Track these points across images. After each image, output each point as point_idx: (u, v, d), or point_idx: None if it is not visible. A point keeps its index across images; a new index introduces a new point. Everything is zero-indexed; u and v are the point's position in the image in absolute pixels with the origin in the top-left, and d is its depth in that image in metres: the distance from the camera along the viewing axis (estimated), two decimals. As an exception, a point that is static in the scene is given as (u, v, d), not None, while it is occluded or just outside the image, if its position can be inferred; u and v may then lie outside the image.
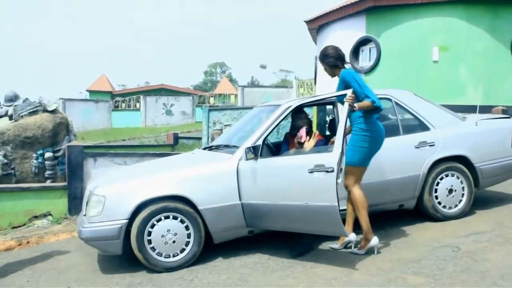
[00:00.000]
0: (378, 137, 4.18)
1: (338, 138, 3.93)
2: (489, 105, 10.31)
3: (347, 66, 4.37)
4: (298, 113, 5.05)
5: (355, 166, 4.16)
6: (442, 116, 5.19)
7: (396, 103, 4.99)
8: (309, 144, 4.66)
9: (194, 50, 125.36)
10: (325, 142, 4.98)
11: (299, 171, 4.03)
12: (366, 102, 4.05)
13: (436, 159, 4.88)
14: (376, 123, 4.17)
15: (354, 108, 4.02)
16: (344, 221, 4.35)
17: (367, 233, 4.15)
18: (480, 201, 5.50)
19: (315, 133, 4.75)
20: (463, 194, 5.01)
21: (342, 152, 3.91)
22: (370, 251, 4.17)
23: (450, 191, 4.96)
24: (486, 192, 5.84)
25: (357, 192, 4.16)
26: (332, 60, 4.31)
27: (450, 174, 4.97)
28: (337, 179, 3.84)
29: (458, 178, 4.99)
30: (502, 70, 11.95)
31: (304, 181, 3.99)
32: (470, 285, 3.31)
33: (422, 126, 4.99)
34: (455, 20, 12.04)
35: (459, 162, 5.01)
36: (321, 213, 3.90)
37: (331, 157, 3.87)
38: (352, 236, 4.28)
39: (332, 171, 3.82)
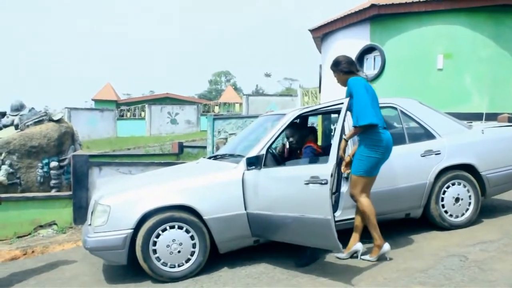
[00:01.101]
0: (386, 146, 4.14)
1: (333, 150, 3.88)
2: (495, 113, 10.28)
3: (361, 74, 4.35)
4: (301, 123, 5.08)
5: (361, 176, 4.13)
6: (448, 124, 5.17)
7: (402, 111, 4.97)
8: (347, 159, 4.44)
9: (198, 59, 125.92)
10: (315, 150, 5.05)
11: (297, 182, 3.99)
12: (352, 130, 4.21)
13: (442, 167, 4.85)
14: (383, 132, 4.13)
15: (345, 138, 4.23)
16: (351, 230, 4.34)
17: (378, 240, 4.14)
18: (487, 209, 5.46)
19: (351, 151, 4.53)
20: (470, 203, 4.98)
21: (337, 163, 3.90)
22: (382, 258, 4.16)
23: (457, 199, 4.93)
24: (493, 200, 5.80)
25: (364, 201, 4.13)
26: (345, 66, 4.27)
27: (456, 183, 4.94)
28: (333, 191, 3.81)
29: (464, 186, 4.96)
30: (507, 77, 11.92)
31: (301, 192, 3.95)
32: (478, 296, 3.28)
33: (428, 135, 4.97)
34: (459, 28, 12.04)
35: (465, 171, 4.98)
36: (315, 225, 3.85)
37: (325, 169, 3.82)
38: (359, 246, 4.27)
39: (326, 183, 3.76)
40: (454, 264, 3.92)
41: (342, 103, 4.10)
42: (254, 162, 4.29)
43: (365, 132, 4.09)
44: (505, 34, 11.95)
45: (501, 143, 5.30)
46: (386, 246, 4.16)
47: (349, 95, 4.16)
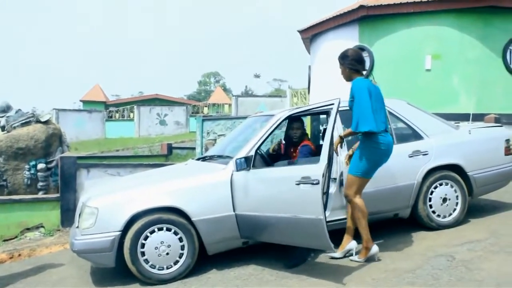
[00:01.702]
0: (386, 150, 4.14)
1: (324, 150, 3.91)
2: (482, 113, 10.38)
3: (371, 78, 4.31)
4: (294, 122, 5.09)
5: (358, 176, 4.13)
6: (436, 125, 5.20)
7: (390, 112, 4.98)
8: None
9: (188, 60, 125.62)
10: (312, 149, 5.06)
11: (287, 183, 4.01)
12: (347, 130, 4.20)
13: (430, 168, 4.88)
14: (384, 135, 4.11)
15: (341, 136, 4.23)
16: (339, 231, 4.36)
17: (367, 242, 4.15)
18: (474, 209, 5.50)
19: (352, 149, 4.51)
20: (457, 203, 5.01)
21: (329, 164, 3.92)
22: (370, 259, 4.17)
23: (444, 200, 4.96)
24: (480, 200, 5.84)
25: (358, 201, 4.14)
26: (352, 63, 4.20)
27: (444, 183, 4.98)
28: (323, 191, 3.82)
29: (452, 187, 5.00)
30: (494, 78, 12.03)
31: (292, 193, 3.96)
32: (465, 295, 3.30)
33: (415, 135, 5.00)
34: (447, 29, 12.13)
35: (452, 171, 5.02)
36: (307, 226, 3.87)
37: (317, 169, 3.84)
38: (353, 244, 4.31)
39: (318, 183, 3.79)
40: (442, 264, 3.94)
41: (332, 104, 4.12)
42: (243, 163, 4.28)
43: (365, 134, 4.07)
44: (492, 35, 12.06)
45: (488, 144, 5.34)
46: (375, 248, 4.18)
47: (351, 96, 4.12)
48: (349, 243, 4.31)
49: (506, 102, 11.98)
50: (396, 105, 5.12)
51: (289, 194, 4.00)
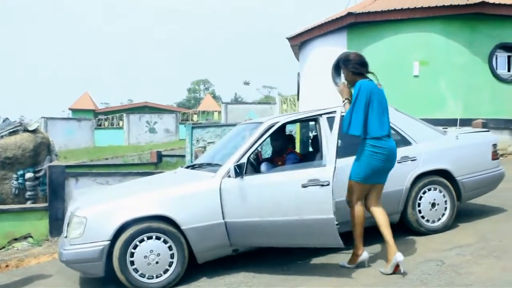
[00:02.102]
0: (387, 155, 4.01)
1: (331, 153, 4.02)
2: (469, 118, 10.50)
3: (376, 81, 4.19)
4: (279, 132, 5.08)
5: (358, 182, 4.06)
6: (423, 130, 5.24)
7: (378, 118, 5.01)
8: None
9: (177, 67, 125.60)
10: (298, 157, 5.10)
11: (292, 186, 4.07)
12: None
13: (418, 173, 4.91)
14: (386, 140, 4.01)
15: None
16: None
17: (358, 249, 4.13)
18: (463, 214, 5.54)
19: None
20: (445, 208, 5.04)
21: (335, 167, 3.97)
22: (360, 265, 4.16)
23: (433, 205, 4.98)
24: (468, 205, 5.88)
25: (359, 209, 4.08)
26: (355, 67, 4.11)
27: (432, 188, 5.00)
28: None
29: (440, 192, 5.02)
30: (481, 83, 12.20)
31: (298, 195, 4.03)
32: (454, 300, 3.32)
33: (403, 141, 5.02)
34: (434, 35, 12.29)
35: (441, 176, 5.05)
36: (317, 226, 3.95)
37: (326, 171, 3.96)
38: (365, 255, 4.19)
39: (328, 184, 3.90)
40: (431, 268, 3.96)
41: (335, 111, 4.25)
42: (237, 171, 4.26)
43: (366, 138, 4.01)
44: (478, 41, 12.23)
45: (475, 149, 5.38)
46: (365, 254, 4.17)
47: (353, 97, 4.03)
48: (362, 254, 4.18)
49: (493, 107, 12.14)
50: (384, 111, 5.14)
51: (294, 196, 4.07)
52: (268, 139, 5.13)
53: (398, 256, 3.87)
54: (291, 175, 4.28)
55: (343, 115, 4.12)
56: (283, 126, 5.10)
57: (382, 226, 4.02)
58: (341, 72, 4.25)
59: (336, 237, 3.93)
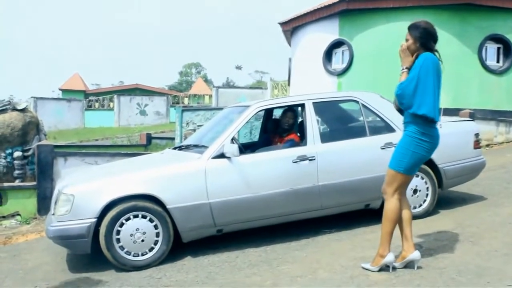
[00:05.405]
0: (434, 144, 3.62)
1: (309, 135, 4.49)
2: (457, 108, 10.61)
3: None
4: (288, 111, 5.36)
5: (400, 172, 3.59)
6: (407, 118, 5.32)
7: (363, 105, 5.10)
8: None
9: (169, 50, 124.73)
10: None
11: (284, 162, 4.64)
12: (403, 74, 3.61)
13: (401, 160, 5.00)
14: (435, 128, 3.60)
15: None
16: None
17: (384, 249, 3.63)
18: (444, 201, 5.66)
19: None
20: (427, 194, 5.15)
21: None
22: (384, 269, 3.68)
23: (415, 191, 5.09)
24: (450, 192, 6.01)
25: (393, 203, 3.62)
26: (423, 37, 3.62)
27: (415, 175, 5.10)
28: None
29: (422, 178, 5.13)
30: (470, 74, 12.29)
31: (290, 169, 4.61)
32: (428, 281, 3.43)
33: (388, 128, 5.10)
34: (425, 25, 12.31)
35: (423, 163, 5.14)
36: (305, 193, 4.64)
37: (310, 148, 4.70)
38: (416, 255, 3.64)
39: (314, 159, 4.64)
40: (409, 252, 4.06)
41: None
42: (227, 152, 4.41)
43: (417, 122, 3.54)
44: (468, 32, 12.30)
45: (458, 137, 5.47)
46: (391, 256, 3.64)
47: (415, 68, 3.57)
48: (412, 254, 3.63)
49: (481, 98, 12.27)
50: (369, 98, 5.23)
51: (287, 171, 4.59)
52: (257, 123, 5.27)
53: (415, 255, 3.61)
54: (282, 153, 4.76)
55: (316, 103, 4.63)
56: (298, 107, 5.29)
57: (405, 220, 3.68)
58: (406, 38, 3.72)
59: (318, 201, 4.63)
